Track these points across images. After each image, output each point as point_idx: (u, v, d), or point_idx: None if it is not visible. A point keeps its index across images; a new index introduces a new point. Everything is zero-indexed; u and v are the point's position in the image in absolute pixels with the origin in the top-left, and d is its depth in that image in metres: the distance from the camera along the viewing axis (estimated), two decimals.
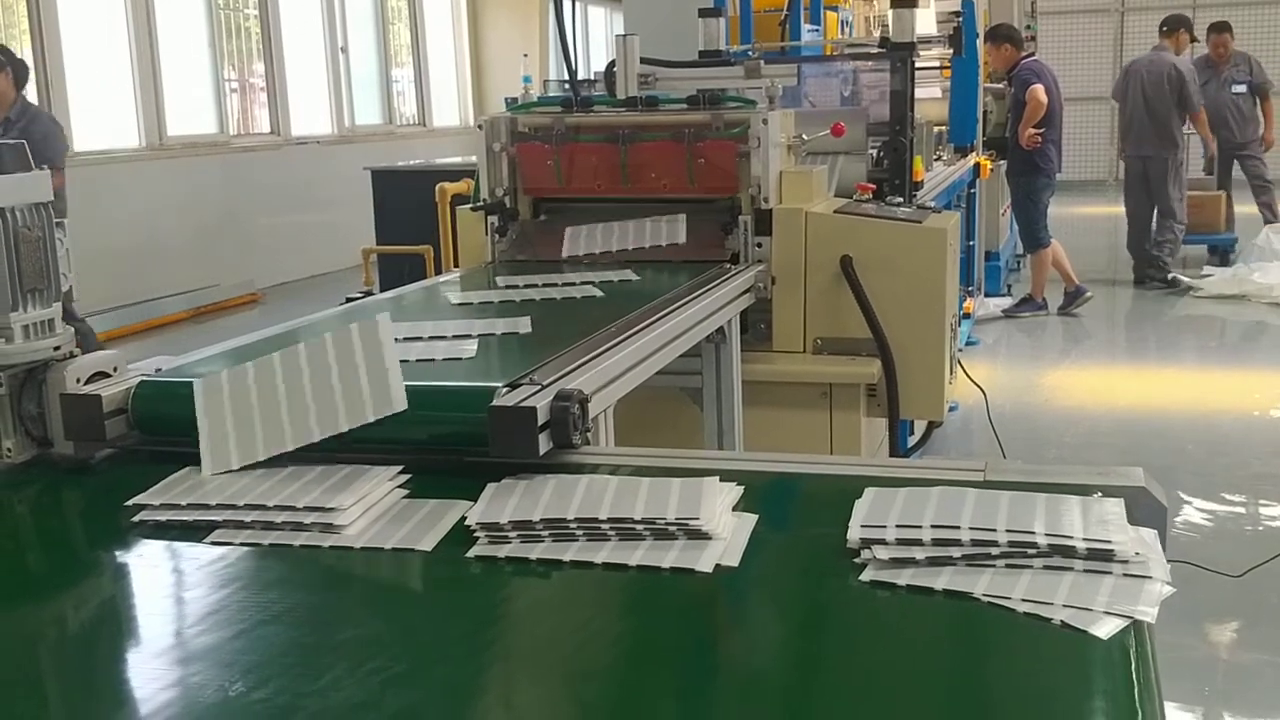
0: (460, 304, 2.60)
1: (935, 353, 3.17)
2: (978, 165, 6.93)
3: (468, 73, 14.45)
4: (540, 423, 1.67)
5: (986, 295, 8.18)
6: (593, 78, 4.37)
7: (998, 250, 8.44)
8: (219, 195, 10.07)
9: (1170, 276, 9.02)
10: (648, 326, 2.29)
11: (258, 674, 1.20)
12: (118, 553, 1.58)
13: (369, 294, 6.46)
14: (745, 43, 6.01)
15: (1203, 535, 4.31)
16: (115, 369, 1.90)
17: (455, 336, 2.18)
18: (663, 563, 1.41)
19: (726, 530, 1.47)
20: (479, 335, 2.18)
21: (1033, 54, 8.82)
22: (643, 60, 3.74)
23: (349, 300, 4.19)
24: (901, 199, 3.77)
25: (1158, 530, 1.48)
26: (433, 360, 2.02)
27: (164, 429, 1.88)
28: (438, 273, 6.50)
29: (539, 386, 1.77)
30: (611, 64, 3.59)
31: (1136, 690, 1.12)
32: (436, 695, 1.19)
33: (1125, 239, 9.52)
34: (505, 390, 1.76)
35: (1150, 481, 1.52)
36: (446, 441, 1.76)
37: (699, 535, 1.45)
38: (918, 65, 4.31)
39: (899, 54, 4.07)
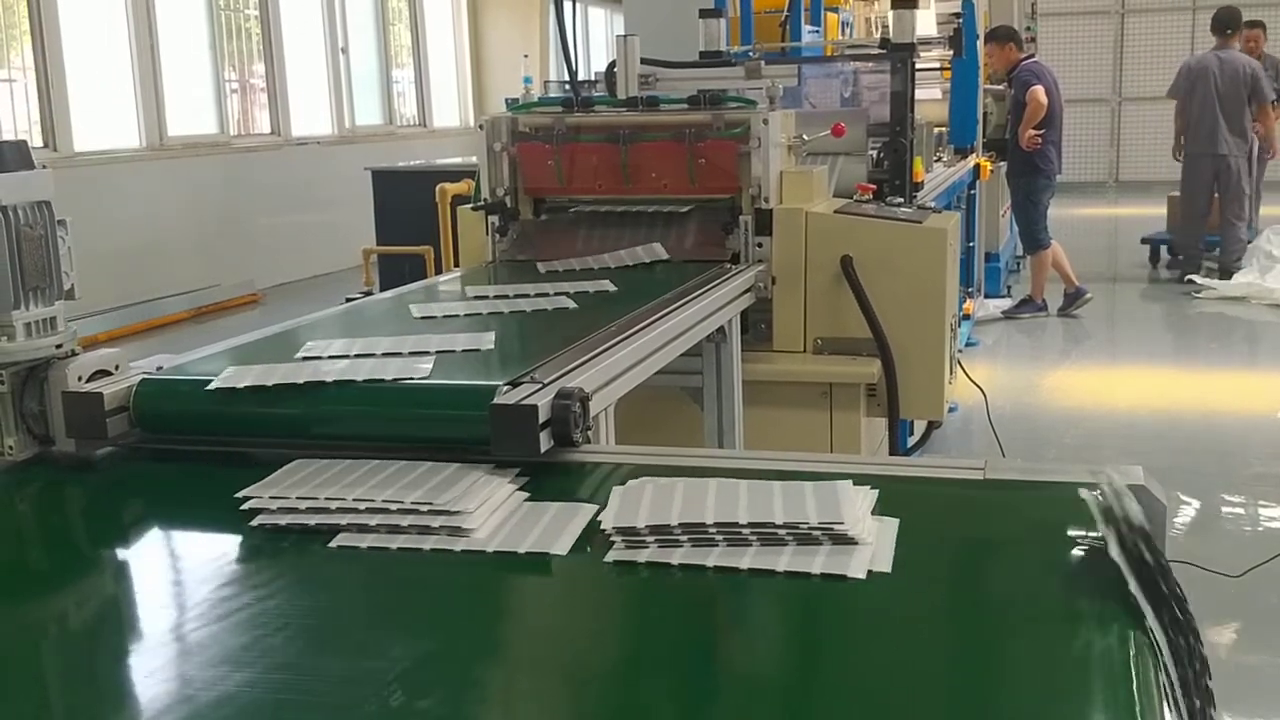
0: (423, 317, 2.43)
1: (935, 353, 3.17)
2: (978, 166, 6.93)
3: (468, 73, 14.46)
4: (541, 421, 1.68)
5: (986, 296, 8.19)
6: (593, 78, 4.38)
7: (998, 251, 8.45)
8: (219, 196, 10.07)
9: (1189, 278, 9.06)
10: (648, 326, 2.29)
11: (416, 681, 1.18)
12: (241, 557, 1.53)
13: (369, 294, 6.47)
14: (746, 43, 6.02)
15: (1202, 535, 4.32)
16: (117, 367, 1.91)
17: (411, 353, 2.03)
18: (811, 568, 1.35)
19: (871, 535, 1.42)
20: (436, 352, 2.03)
21: (1033, 55, 8.81)
22: (643, 61, 3.74)
23: (349, 300, 4.19)
24: (901, 199, 3.77)
25: (1156, 527, 1.48)
26: (382, 381, 1.85)
27: (166, 427, 1.88)
28: (438, 273, 6.51)
29: (540, 385, 1.78)
30: (612, 64, 3.60)
31: (1136, 690, 1.12)
32: (609, 705, 1.16)
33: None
34: (506, 388, 1.76)
35: (1150, 480, 1.52)
36: (447, 439, 1.76)
37: (845, 540, 1.39)
38: (918, 66, 4.32)
39: (899, 55, 4.08)
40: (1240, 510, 4.59)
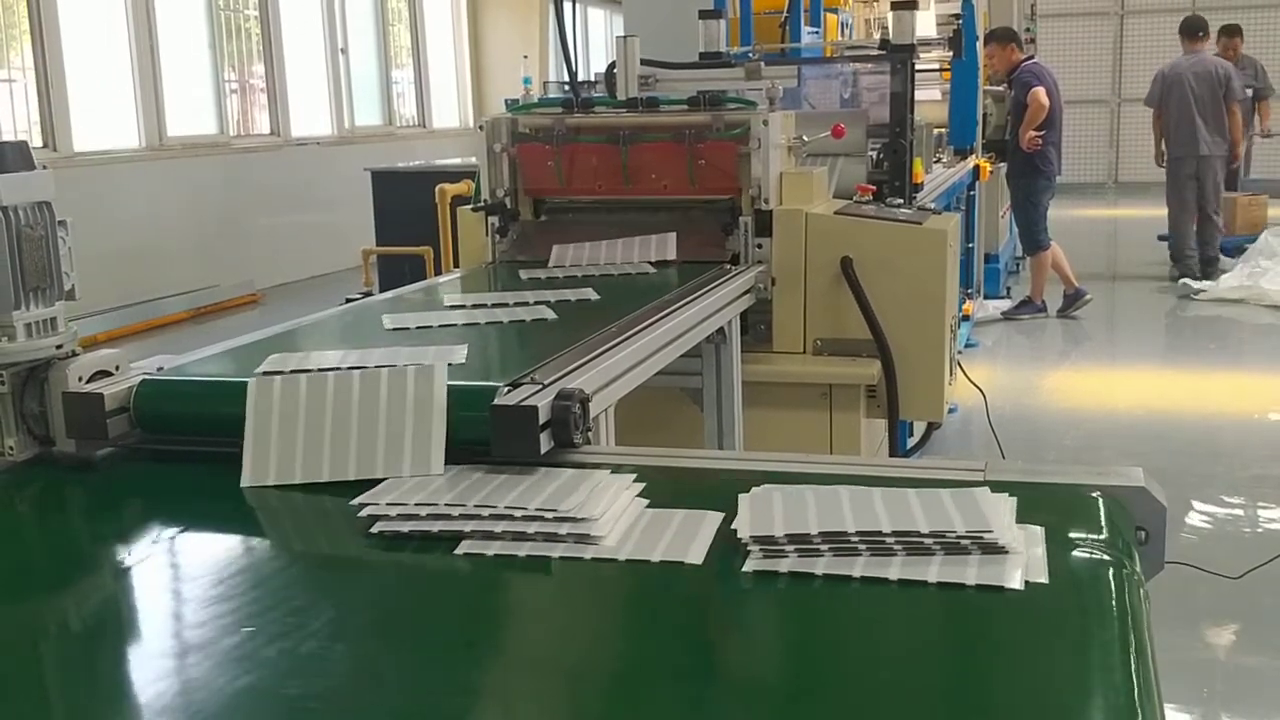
0: (396, 329, 2.32)
1: (935, 354, 3.18)
2: (977, 167, 6.94)
3: (468, 74, 14.46)
4: (541, 422, 1.68)
5: (986, 297, 8.19)
6: (593, 79, 4.38)
7: (997, 252, 8.45)
8: (219, 196, 10.07)
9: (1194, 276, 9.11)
10: (649, 327, 2.30)
11: (574, 692, 1.16)
12: (367, 565, 1.50)
13: (369, 294, 6.46)
14: (745, 44, 6.02)
15: (1202, 537, 4.32)
16: (117, 368, 1.91)
17: (377, 367, 1.98)
18: (965, 579, 1.30)
19: (1020, 543, 1.36)
20: (404, 365, 1.91)
21: (1033, 56, 8.80)
22: (643, 62, 3.75)
23: (349, 301, 4.19)
24: (901, 201, 3.77)
25: (1155, 529, 1.48)
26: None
27: (166, 428, 1.88)
28: (438, 273, 6.51)
29: (540, 386, 1.78)
30: (612, 65, 3.60)
31: (1136, 692, 1.12)
32: None
33: (1169, 241, 9.51)
34: (507, 389, 1.76)
35: (1150, 481, 1.52)
36: (447, 440, 1.76)
37: (995, 549, 1.34)
38: (917, 67, 4.32)
39: (899, 56, 4.08)
40: (1239, 511, 4.59)
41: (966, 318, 6.81)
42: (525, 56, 13.53)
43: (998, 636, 1.27)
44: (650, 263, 3.05)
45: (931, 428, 4.01)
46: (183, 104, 9.94)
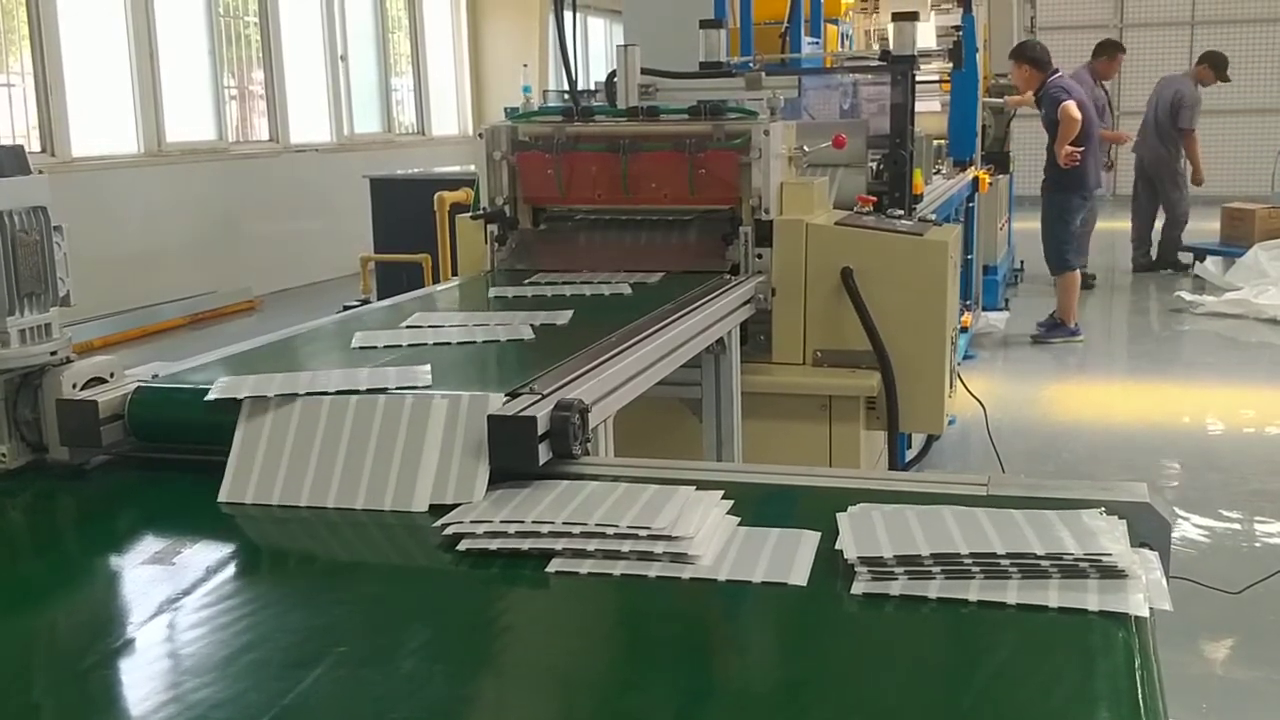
0: (364, 347, 2.21)
1: (935, 366, 3.16)
2: (976, 179, 6.93)
3: (467, 82, 14.47)
4: (540, 433, 1.66)
5: (985, 309, 8.17)
6: (593, 88, 4.37)
7: (996, 264, 8.43)
8: (218, 202, 10.06)
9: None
10: (648, 337, 2.28)
11: None
12: (449, 584, 1.47)
13: (366, 302, 6.46)
14: (746, 54, 6.01)
15: (1201, 552, 4.30)
16: (112, 375, 1.89)
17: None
18: (1087, 605, 1.26)
19: (1137, 568, 1.33)
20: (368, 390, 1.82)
21: (1057, 71, 8.58)
22: (643, 71, 3.74)
23: (346, 308, 4.17)
24: (901, 212, 3.76)
25: (1160, 545, 1.47)
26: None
27: (161, 436, 1.87)
28: (436, 281, 6.50)
29: (539, 396, 1.76)
30: (612, 74, 3.59)
31: (1141, 707, 1.11)
32: None
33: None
34: (505, 400, 1.75)
35: (1154, 497, 1.51)
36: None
37: (1114, 573, 1.31)
38: (917, 78, 4.31)
39: (899, 67, 4.07)
40: (1239, 526, 4.57)
41: (965, 329, 6.80)
42: (525, 65, 13.54)
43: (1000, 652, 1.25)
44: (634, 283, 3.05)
45: (931, 440, 4.01)
46: (182, 110, 9.93)
